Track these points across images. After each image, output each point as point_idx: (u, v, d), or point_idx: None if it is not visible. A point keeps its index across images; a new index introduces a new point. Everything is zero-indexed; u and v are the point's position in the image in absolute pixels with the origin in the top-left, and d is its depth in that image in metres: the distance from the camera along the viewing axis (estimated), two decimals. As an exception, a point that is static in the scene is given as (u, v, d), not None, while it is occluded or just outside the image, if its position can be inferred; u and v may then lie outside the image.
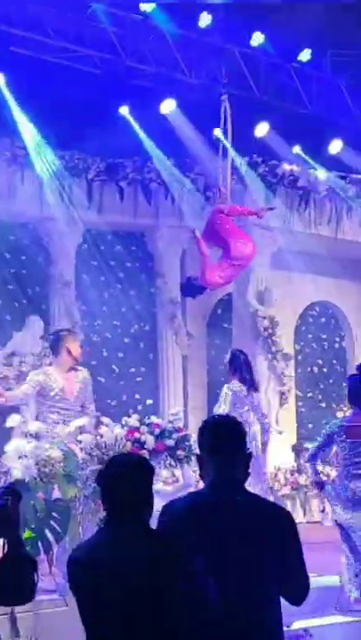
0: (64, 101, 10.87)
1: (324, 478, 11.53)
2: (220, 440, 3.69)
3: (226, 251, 9.70)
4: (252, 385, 8.76)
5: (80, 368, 8.07)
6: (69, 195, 11.95)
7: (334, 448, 7.49)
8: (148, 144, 12.04)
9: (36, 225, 12.03)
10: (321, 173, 13.23)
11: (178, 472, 8.10)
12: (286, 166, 12.90)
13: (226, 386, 8.71)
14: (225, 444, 3.67)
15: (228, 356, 8.92)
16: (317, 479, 7.78)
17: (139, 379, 12.50)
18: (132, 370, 12.43)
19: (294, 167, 12.99)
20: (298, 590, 3.64)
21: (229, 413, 8.11)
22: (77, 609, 3.40)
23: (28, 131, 11.28)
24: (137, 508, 3.38)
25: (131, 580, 3.20)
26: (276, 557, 3.52)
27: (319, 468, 7.89)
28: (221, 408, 8.57)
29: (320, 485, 7.83)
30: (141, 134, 11.97)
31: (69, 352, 7.99)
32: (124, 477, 3.40)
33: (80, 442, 7.01)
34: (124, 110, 11.80)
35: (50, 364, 8.44)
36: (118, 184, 12.25)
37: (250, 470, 3.78)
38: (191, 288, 9.98)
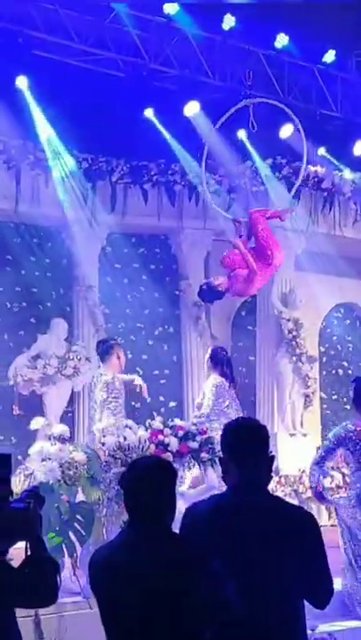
0: (87, 105, 10.91)
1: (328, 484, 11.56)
2: (243, 443, 3.68)
3: (266, 258, 9.77)
4: (232, 380, 9.47)
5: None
6: (93, 198, 11.96)
7: (340, 452, 7.43)
8: (175, 146, 12.03)
9: (60, 228, 12.04)
10: (346, 174, 13.17)
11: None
12: (311, 168, 12.84)
13: (212, 377, 9.43)
14: (248, 446, 3.67)
15: (208, 353, 9.81)
16: (319, 489, 7.57)
17: (162, 381, 12.48)
18: (156, 372, 12.41)
19: (318, 168, 12.93)
20: (322, 593, 3.62)
21: (212, 405, 8.90)
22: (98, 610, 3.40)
23: (51, 134, 11.30)
24: (159, 511, 3.37)
25: (150, 583, 3.19)
26: (298, 560, 3.51)
27: (326, 480, 7.80)
28: (207, 398, 9.20)
29: (320, 496, 7.62)
30: (167, 136, 11.96)
31: (118, 358, 9.46)
32: (146, 480, 3.39)
33: (103, 444, 7.04)
34: (148, 113, 11.80)
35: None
36: (142, 186, 12.24)
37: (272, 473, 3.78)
38: (211, 293, 9.97)
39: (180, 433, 7.33)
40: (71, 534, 6.62)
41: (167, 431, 7.28)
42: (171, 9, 11.44)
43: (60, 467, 6.68)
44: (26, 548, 3.38)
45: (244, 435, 3.73)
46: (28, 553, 3.36)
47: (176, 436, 7.30)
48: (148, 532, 3.31)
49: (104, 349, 9.64)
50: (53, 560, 3.41)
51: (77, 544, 6.65)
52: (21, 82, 10.78)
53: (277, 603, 3.47)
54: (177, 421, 7.46)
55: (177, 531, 3.53)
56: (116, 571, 3.29)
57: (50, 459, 6.74)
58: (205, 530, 3.54)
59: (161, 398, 12.10)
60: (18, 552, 3.43)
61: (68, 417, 11.53)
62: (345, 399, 13.90)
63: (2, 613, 3.34)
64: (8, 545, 3.34)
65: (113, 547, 3.42)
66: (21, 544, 3.38)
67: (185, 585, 3.19)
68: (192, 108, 11.77)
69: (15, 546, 3.46)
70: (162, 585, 3.18)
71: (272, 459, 3.76)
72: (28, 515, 3.29)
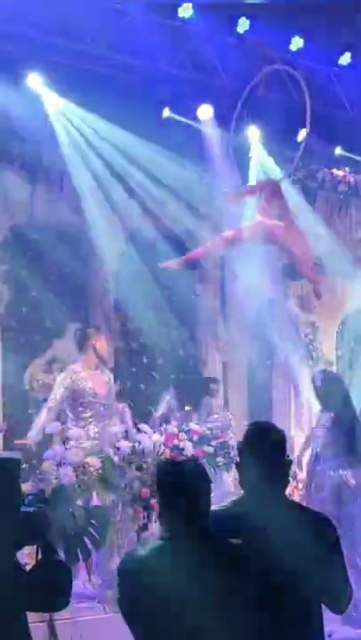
0: (102, 108, 10.92)
1: None
2: (259, 447, 3.64)
3: None
4: None
5: (104, 369, 8.08)
6: (111, 202, 11.94)
7: None
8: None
9: (77, 232, 12.03)
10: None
11: None
12: (327, 170, 12.81)
13: None
14: (265, 450, 3.63)
15: None
16: None
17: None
18: (173, 376, 12.37)
19: (335, 171, 12.88)
20: (340, 598, 3.58)
21: None
22: (128, 618, 3.29)
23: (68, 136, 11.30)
24: (202, 515, 3.31)
25: (194, 586, 3.11)
26: (317, 564, 3.48)
27: None
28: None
29: None
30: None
31: (95, 349, 8.10)
32: (190, 483, 3.32)
33: (118, 449, 7.01)
34: (166, 112, 11.78)
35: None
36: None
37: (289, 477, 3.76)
38: None
39: (195, 437, 7.29)
40: (86, 539, 6.58)
41: (182, 436, 7.25)
42: (185, 12, 11.42)
43: (75, 471, 6.65)
44: (36, 551, 3.36)
45: (262, 438, 3.70)
46: (39, 557, 3.34)
47: (191, 440, 7.26)
48: (191, 532, 3.23)
49: (78, 338, 8.42)
50: (64, 564, 3.39)
51: (92, 549, 6.60)
52: (34, 80, 10.75)
53: (296, 604, 3.44)
54: (192, 425, 7.42)
55: None
56: (156, 574, 3.19)
57: (64, 463, 6.71)
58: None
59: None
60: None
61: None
62: None
63: (13, 617, 3.31)
64: (18, 549, 3.33)
65: (151, 553, 3.30)
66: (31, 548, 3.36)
67: (228, 585, 3.13)
68: (206, 111, 11.74)
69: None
70: (208, 585, 3.11)
71: (289, 463, 3.74)
72: (35, 518, 3.28)
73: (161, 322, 12.66)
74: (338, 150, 12.83)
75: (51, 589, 3.28)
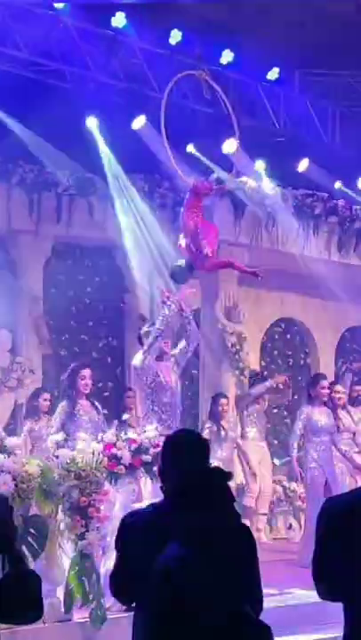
0: (34, 115, 10.87)
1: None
2: (180, 454, 3.69)
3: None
4: None
5: None
6: (38, 209, 11.91)
7: None
8: (115, 160, 12.04)
9: (5, 239, 11.95)
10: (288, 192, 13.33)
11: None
12: (252, 183, 12.95)
13: None
14: (186, 458, 3.68)
15: None
16: None
17: (106, 394, 12.44)
18: (100, 384, 12.35)
19: (261, 184, 13.04)
20: (256, 604, 3.61)
21: None
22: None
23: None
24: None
25: None
26: (240, 570, 3.52)
27: None
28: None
29: None
30: (105, 150, 11.96)
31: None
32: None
33: (57, 457, 6.98)
34: (91, 124, 11.77)
35: None
36: (88, 199, 12.21)
37: None
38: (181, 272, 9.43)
39: (133, 446, 7.30)
40: (24, 548, 6.52)
41: (120, 444, 7.25)
42: (118, 22, 11.47)
43: (14, 480, 6.60)
44: (3, 561, 3.28)
45: (182, 446, 3.74)
46: (6, 567, 3.26)
47: (129, 449, 7.27)
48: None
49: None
50: (35, 574, 3.31)
51: (31, 558, 6.55)
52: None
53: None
54: (130, 434, 7.43)
55: None
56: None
57: (3, 471, 6.65)
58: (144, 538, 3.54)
59: (105, 411, 12.02)
60: None
61: (10, 429, 11.39)
62: (285, 413, 14.05)
63: None
64: None
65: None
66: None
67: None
68: (139, 122, 11.79)
69: None
70: None
71: (210, 469, 3.78)
72: (3, 525, 3.19)
73: (89, 330, 12.67)
74: (259, 165, 12.95)
75: (25, 601, 3.19)
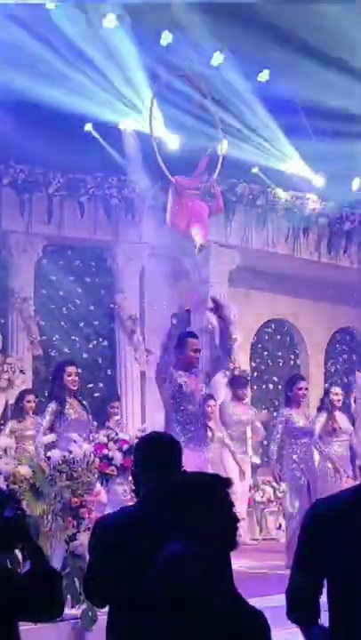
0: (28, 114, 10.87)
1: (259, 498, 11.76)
2: (152, 455, 3.70)
3: None
4: None
5: None
6: (29, 209, 11.91)
7: None
8: (115, 159, 12.07)
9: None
10: (280, 193, 13.35)
11: None
12: (245, 185, 12.99)
13: None
14: (158, 459, 3.69)
15: None
16: None
17: (96, 394, 12.44)
18: (90, 385, 12.37)
19: (253, 186, 13.08)
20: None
21: None
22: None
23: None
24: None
25: None
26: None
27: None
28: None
29: None
30: (108, 149, 11.99)
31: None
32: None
33: (49, 458, 6.99)
34: (87, 126, 11.80)
35: None
36: (79, 199, 12.22)
37: None
38: None
39: (125, 447, 7.32)
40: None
41: (112, 445, 7.26)
42: (109, 23, 11.49)
43: (5, 480, 6.61)
44: (23, 557, 3.28)
45: (154, 447, 3.74)
46: (27, 563, 3.24)
47: (120, 449, 7.29)
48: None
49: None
50: (56, 571, 3.29)
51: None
52: None
53: None
54: (121, 435, 7.44)
55: None
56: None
57: (-6, 472, 6.66)
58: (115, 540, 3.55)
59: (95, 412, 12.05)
60: None
61: (1, 430, 11.38)
62: (275, 414, 14.05)
63: (4, 627, 3.20)
64: (6, 556, 3.24)
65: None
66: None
67: None
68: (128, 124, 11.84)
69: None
70: None
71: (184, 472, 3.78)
72: (19, 522, 3.19)
73: (80, 331, 12.66)
74: (255, 169, 13.01)
75: (46, 599, 3.17)
